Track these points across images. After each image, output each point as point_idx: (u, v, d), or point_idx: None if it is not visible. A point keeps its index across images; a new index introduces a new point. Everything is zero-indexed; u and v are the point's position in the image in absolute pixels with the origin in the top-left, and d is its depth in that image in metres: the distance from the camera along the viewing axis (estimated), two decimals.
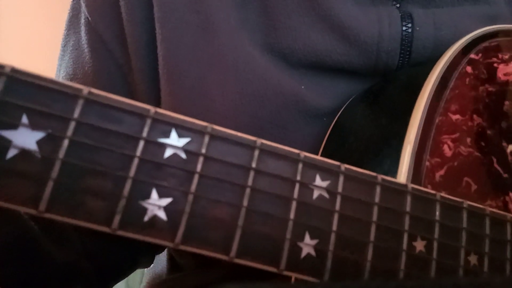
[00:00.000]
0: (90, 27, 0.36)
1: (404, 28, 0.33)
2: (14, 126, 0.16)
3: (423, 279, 0.21)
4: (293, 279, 0.24)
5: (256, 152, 0.19)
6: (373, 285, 0.20)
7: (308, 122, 0.34)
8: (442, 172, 0.24)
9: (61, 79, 0.38)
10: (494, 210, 0.23)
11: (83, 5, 0.36)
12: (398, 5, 0.35)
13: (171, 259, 0.45)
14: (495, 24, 0.35)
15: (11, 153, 0.15)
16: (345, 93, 0.35)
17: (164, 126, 0.18)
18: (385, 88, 0.32)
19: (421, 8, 0.34)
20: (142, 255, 0.42)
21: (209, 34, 0.34)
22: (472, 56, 0.27)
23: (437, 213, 0.21)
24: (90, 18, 0.36)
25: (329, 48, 0.34)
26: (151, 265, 0.50)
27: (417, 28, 0.33)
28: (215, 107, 0.34)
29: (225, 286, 0.18)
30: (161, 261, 0.46)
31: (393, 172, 0.24)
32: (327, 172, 0.20)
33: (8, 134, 0.16)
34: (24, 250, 0.28)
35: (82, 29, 0.37)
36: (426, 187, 0.23)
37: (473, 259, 0.22)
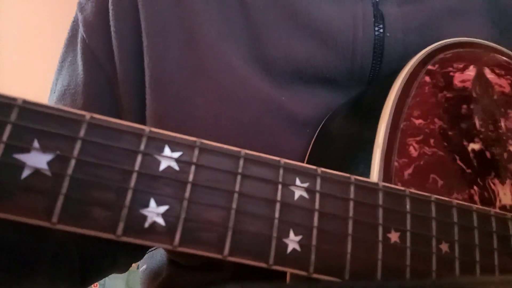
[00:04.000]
0: (85, 44, 0.40)
1: (376, 33, 0.36)
2: (27, 150, 0.18)
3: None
4: (288, 278, 0.26)
5: (241, 161, 0.21)
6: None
7: (293, 131, 0.36)
8: (410, 170, 0.26)
9: (57, 90, 0.42)
10: (461, 201, 0.25)
11: (80, 25, 0.40)
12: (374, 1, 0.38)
13: (170, 259, 0.45)
14: (464, 18, 0.38)
15: (25, 173, 0.18)
16: (325, 104, 0.37)
17: (158, 142, 0.20)
18: (358, 100, 0.35)
19: (396, 7, 0.37)
20: (121, 255, 0.42)
21: (192, 47, 0.37)
22: (430, 67, 0.30)
23: (408, 206, 0.24)
24: (85, 36, 0.39)
25: (308, 55, 0.36)
26: (146, 265, 0.49)
27: (388, 34, 0.36)
28: (198, 113, 0.36)
29: (225, 286, 0.19)
30: (159, 260, 0.47)
31: (367, 174, 0.26)
32: (305, 175, 0.22)
33: (22, 157, 0.18)
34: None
35: (78, 47, 0.40)
36: (396, 184, 0.26)
37: (444, 246, 0.24)
